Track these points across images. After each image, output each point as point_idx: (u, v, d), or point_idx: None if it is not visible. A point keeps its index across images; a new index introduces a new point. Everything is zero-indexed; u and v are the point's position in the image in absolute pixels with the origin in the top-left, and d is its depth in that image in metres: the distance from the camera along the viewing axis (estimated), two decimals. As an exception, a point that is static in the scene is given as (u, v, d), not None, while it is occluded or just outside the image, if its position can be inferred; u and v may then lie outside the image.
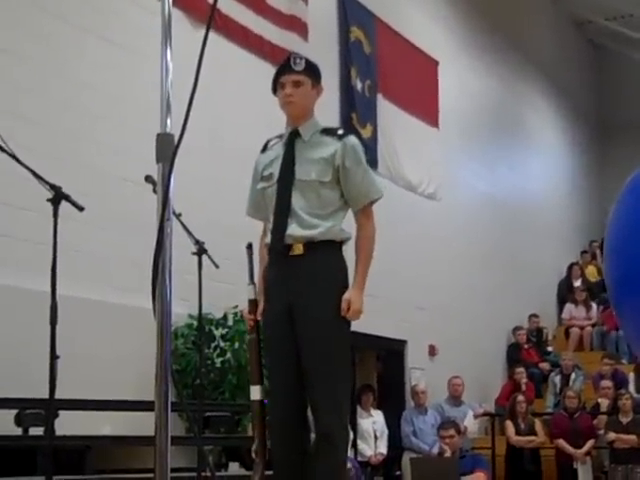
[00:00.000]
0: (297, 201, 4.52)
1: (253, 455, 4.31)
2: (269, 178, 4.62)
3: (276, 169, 4.61)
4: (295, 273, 4.48)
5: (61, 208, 4.71)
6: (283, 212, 4.52)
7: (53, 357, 4.64)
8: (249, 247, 4.54)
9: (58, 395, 4.69)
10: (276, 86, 4.69)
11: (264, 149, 4.79)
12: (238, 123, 9.59)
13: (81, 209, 4.78)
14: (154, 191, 5.24)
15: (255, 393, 4.34)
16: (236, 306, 8.50)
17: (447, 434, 10.65)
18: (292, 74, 4.63)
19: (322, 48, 11.14)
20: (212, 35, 2.69)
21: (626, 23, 18.99)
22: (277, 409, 4.42)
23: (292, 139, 4.66)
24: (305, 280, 4.46)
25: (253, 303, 4.41)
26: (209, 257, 6.29)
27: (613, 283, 7.65)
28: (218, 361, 8.23)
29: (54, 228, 4.67)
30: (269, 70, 10.11)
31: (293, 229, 4.49)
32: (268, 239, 4.56)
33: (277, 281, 4.52)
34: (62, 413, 5.62)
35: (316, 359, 4.38)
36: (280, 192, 4.55)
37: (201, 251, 6.23)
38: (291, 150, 4.61)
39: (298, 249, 4.48)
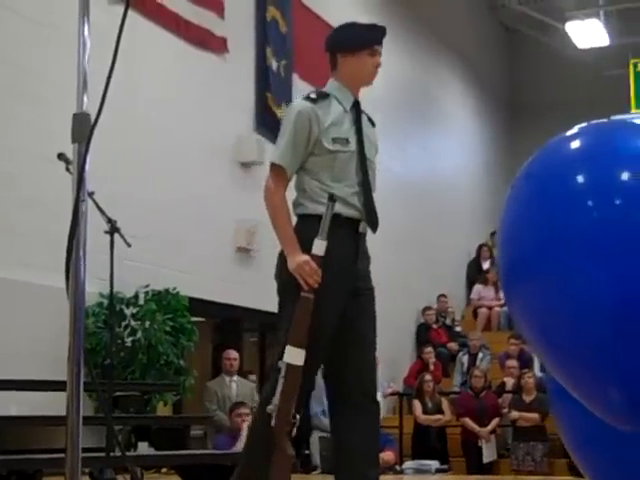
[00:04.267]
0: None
1: (273, 423, 3.92)
2: (345, 143, 4.26)
3: (351, 136, 4.30)
4: (364, 253, 4.41)
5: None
6: (369, 188, 4.37)
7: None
8: (331, 199, 4.04)
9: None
10: (363, 44, 4.41)
11: (315, 101, 4.26)
12: (153, 100, 9.49)
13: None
14: (67, 169, 5.22)
15: (298, 357, 3.97)
16: (147, 285, 8.46)
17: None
18: (381, 47, 4.46)
19: (238, 27, 11.09)
20: (128, 12, 2.67)
21: (537, 7, 19.29)
22: (309, 383, 4.26)
23: (359, 112, 4.41)
24: (368, 262, 4.46)
25: (322, 260, 4.04)
26: (121, 236, 6.25)
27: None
28: (128, 340, 8.18)
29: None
30: (184, 48, 10.15)
31: None
32: (339, 208, 4.16)
33: (350, 259, 4.29)
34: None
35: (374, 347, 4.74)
36: (363, 167, 4.34)
37: (113, 230, 6.19)
38: (360, 125, 4.38)
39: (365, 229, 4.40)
